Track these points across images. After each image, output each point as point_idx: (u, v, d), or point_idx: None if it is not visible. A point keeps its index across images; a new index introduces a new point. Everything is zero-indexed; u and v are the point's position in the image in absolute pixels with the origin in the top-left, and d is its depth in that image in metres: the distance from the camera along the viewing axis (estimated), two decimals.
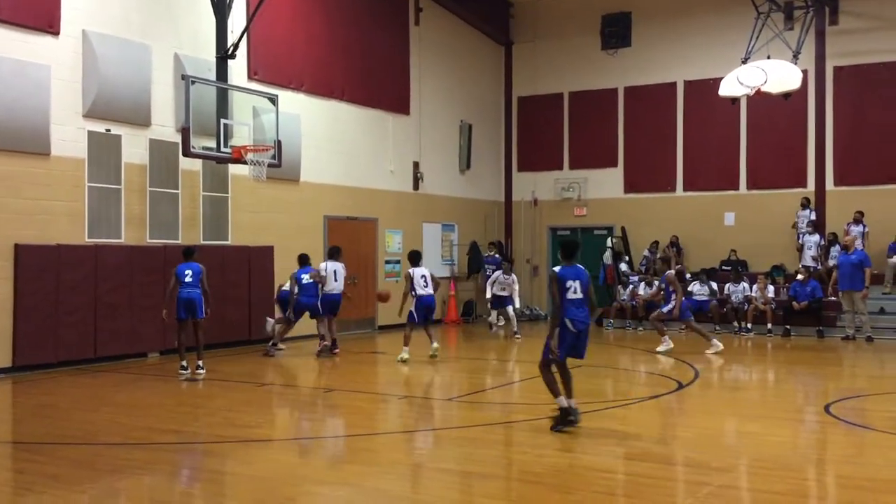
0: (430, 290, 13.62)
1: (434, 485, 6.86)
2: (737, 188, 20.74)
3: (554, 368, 8.37)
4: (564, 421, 8.16)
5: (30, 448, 8.14)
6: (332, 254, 14.67)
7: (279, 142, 14.70)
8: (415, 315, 13.52)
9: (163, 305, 12.27)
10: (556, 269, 8.38)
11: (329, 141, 17.67)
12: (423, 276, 13.64)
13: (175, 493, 6.72)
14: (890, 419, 9.47)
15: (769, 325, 17.64)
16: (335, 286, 14.31)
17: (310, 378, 12.66)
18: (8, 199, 12.17)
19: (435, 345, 13.69)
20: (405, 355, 13.32)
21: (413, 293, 13.51)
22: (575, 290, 8.23)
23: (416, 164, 20.28)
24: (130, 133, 13.77)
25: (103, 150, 13.39)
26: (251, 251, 15.66)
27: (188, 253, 12.25)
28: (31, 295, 12.27)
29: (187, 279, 11.92)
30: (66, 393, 10.88)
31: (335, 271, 14.32)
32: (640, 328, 19.15)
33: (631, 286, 19.97)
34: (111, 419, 9.26)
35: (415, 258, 13.91)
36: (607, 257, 21.20)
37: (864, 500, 6.23)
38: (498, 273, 17.89)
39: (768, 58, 16.99)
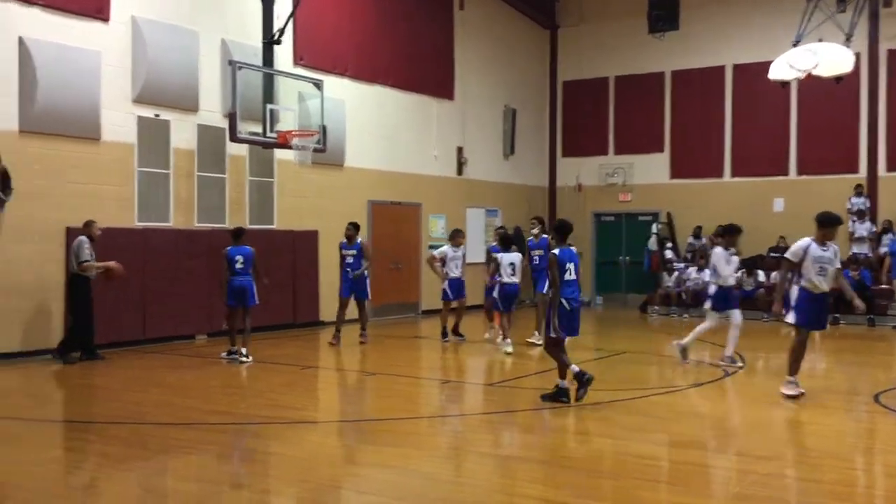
0: (516, 279, 12.98)
1: (477, 468, 6.88)
2: (786, 174, 20.41)
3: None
4: (558, 398, 8.75)
5: (81, 427, 8.33)
6: (506, 242, 13.42)
7: (324, 127, 14.76)
8: (499, 304, 13.04)
9: (218, 291, 12.33)
10: (556, 251, 8.78)
11: (373, 126, 17.72)
12: (512, 263, 12.97)
13: (222, 472, 6.83)
14: None
15: None
16: (513, 279, 13.07)
17: (352, 362, 12.74)
18: (59, 184, 12.40)
19: (508, 341, 12.86)
20: (509, 348, 12.67)
21: (498, 279, 13.02)
22: (570, 271, 8.76)
23: (459, 150, 20.25)
24: (179, 118, 13.95)
25: (152, 135, 13.59)
26: (296, 235, 15.79)
27: (237, 235, 12.16)
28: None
29: (238, 266, 11.89)
30: (117, 374, 11.07)
31: (512, 263, 13.09)
32: (686, 315, 18.96)
33: (676, 273, 19.78)
34: (161, 400, 9.42)
35: (506, 242, 13.18)
36: (652, 244, 21.03)
37: None
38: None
39: (820, 41, 16.64)
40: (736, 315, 11.51)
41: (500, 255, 13.11)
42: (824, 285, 9.07)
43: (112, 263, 11.96)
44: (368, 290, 13.86)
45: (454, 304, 14.23)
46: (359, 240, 13.79)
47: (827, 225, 9.13)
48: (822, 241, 9.07)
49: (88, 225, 11.96)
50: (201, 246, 14.03)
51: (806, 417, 8.67)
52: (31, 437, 7.77)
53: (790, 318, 9.21)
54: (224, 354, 12.08)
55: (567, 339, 9.06)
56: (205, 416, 8.55)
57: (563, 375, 8.84)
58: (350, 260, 13.63)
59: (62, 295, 12.22)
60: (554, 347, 8.89)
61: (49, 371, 11.24)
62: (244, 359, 11.80)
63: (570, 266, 8.77)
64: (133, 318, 13.18)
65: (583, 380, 8.68)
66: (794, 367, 9.17)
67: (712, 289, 11.60)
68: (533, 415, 8.66)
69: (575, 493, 5.99)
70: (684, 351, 11.72)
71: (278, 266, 15.09)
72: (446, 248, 14.26)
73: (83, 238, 11.81)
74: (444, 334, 14.10)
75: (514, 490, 6.21)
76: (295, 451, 7.26)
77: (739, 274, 12.32)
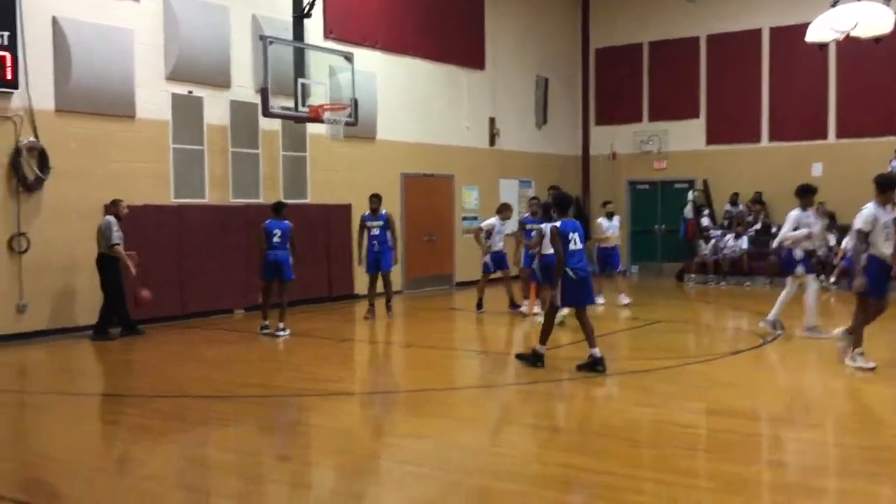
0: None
1: (513, 438, 6.89)
2: (825, 137, 20.03)
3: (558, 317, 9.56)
4: (534, 363, 9.13)
5: (121, 401, 8.47)
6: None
7: (355, 100, 14.74)
8: (538, 275, 12.23)
9: (257, 265, 12.27)
10: (556, 223, 8.96)
11: (404, 98, 17.65)
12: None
13: (262, 444, 6.90)
14: None
15: None
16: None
17: (388, 334, 12.79)
18: (96, 162, 12.50)
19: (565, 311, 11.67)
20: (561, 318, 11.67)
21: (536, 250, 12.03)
22: (575, 241, 8.90)
23: (491, 120, 20.12)
24: (211, 94, 13.99)
25: (186, 112, 13.64)
26: (329, 209, 15.84)
27: (278, 208, 12.13)
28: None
29: (275, 239, 11.85)
30: (156, 349, 11.22)
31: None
32: (723, 283, 18.80)
33: (713, 240, 19.59)
34: (200, 374, 9.54)
35: (549, 213, 11.38)
36: (688, 211, 20.81)
37: None
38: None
39: (858, 0, 16.23)
40: (790, 281, 11.22)
41: (544, 226, 12.58)
42: (890, 250, 8.84)
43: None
44: (391, 261, 13.65)
45: (498, 275, 14.14)
46: (383, 211, 13.69)
47: (888, 187, 8.87)
48: (883, 204, 8.85)
49: (115, 204, 11.94)
50: (237, 221, 14.12)
51: (846, 385, 8.57)
52: (70, 411, 7.92)
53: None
54: (267, 331, 12.13)
55: (594, 307, 9.38)
56: (243, 388, 8.65)
57: (544, 342, 9.16)
58: (376, 231, 13.50)
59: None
60: (550, 314, 9.29)
61: (89, 347, 11.41)
62: (280, 333, 11.83)
63: (574, 236, 8.90)
64: (172, 293, 13.31)
65: (534, 356, 9.15)
66: (861, 339, 8.94)
67: (798, 253, 11.06)
68: (569, 384, 8.64)
69: (613, 462, 5.97)
70: (814, 329, 11.15)
71: (313, 240, 15.15)
72: (494, 221, 14.15)
73: (110, 218, 11.76)
74: (480, 306, 14.09)
75: (552, 459, 6.21)
76: (333, 423, 7.33)
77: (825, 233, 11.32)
